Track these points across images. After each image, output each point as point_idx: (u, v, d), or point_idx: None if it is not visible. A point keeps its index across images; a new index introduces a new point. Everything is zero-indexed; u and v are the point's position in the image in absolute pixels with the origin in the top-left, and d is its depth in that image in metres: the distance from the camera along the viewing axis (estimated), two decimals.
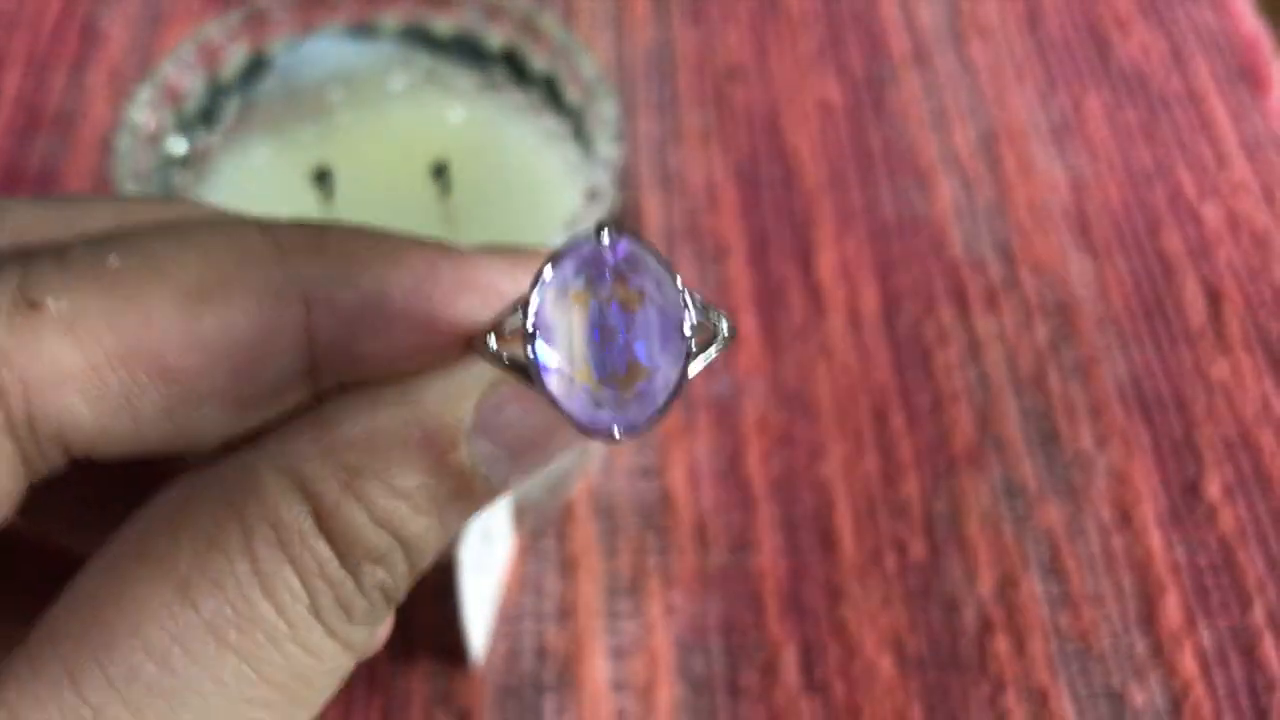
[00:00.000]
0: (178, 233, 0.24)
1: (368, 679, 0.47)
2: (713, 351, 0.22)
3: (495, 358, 0.23)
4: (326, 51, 0.50)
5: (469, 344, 0.24)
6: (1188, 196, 0.59)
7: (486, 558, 0.46)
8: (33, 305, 0.22)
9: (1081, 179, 0.60)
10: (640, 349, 0.21)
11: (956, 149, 0.62)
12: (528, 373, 0.21)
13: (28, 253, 0.23)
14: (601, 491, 0.51)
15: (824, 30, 0.67)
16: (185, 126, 0.48)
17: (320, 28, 0.50)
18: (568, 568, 0.49)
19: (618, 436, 0.21)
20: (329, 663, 0.24)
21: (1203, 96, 0.63)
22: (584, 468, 0.52)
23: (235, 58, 0.49)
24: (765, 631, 0.48)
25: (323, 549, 0.23)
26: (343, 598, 0.23)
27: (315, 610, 0.23)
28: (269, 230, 0.24)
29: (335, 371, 0.24)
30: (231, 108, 0.50)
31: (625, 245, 0.21)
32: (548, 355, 0.21)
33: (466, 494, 0.24)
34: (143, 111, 0.46)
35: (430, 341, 0.24)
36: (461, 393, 0.24)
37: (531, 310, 0.21)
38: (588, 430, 0.21)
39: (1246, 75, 0.64)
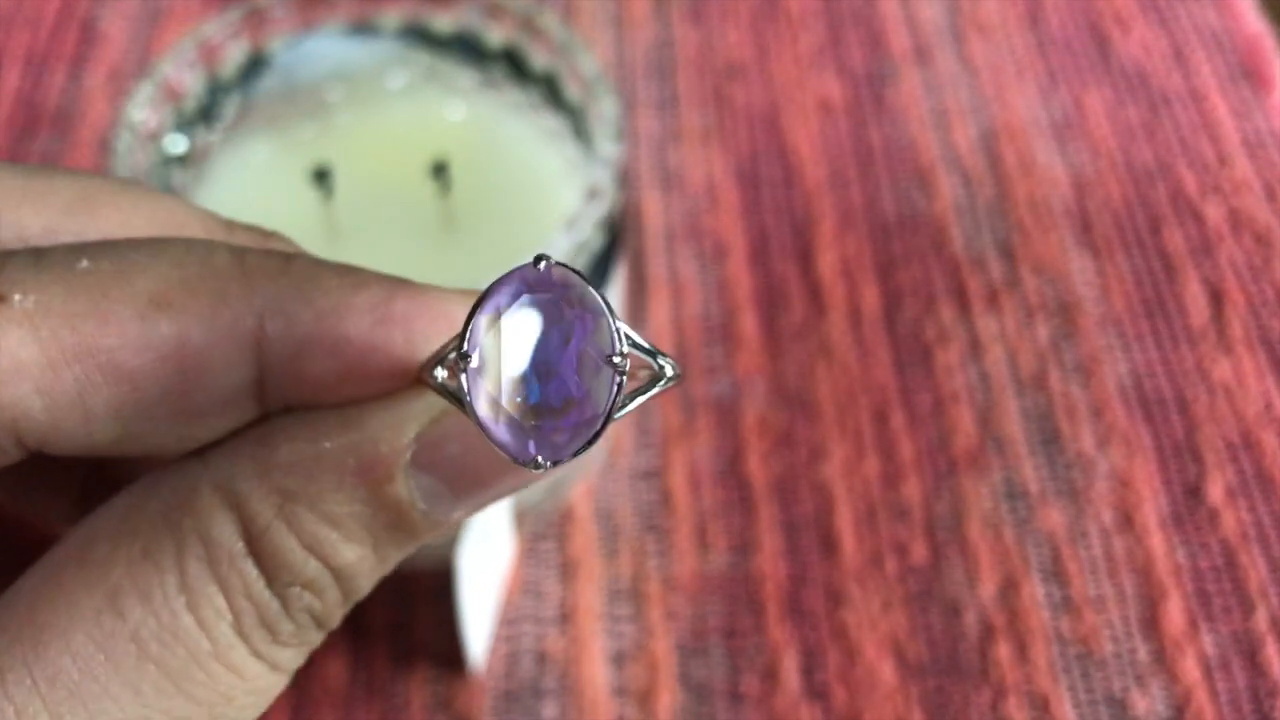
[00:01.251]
0: (152, 244, 0.24)
1: (366, 684, 0.47)
2: (653, 391, 0.23)
3: (438, 387, 0.23)
4: (326, 50, 0.50)
5: (416, 375, 0.24)
6: (1189, 195, 0.59)
7: (485, 561, 0.45)
8: (0, 299, 0.22)
9: (1083, 177, 0.60)
10: (571, 379, 0.22)
11: (957, 147, 0.62)
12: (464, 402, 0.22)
13: (9, 252, 0.24)
14: (601, 494, 0.51)
15: (824, 29, 0.67)
16: (185, 125, 0.48)
17: (320, 26, 0.50)
18: (567, 571, 0.49)
19: (542, 465, 0.22)
20: (252, 681, 0.24)
21: (1204, 95, 0.63)
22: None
23: (235, 56, 0.49)
24: (765, 635, 0.48)
25: (250, 570, 0.23)
26: (268, 619, 0.24)
27: (239, 629, 0.23)
28: (238, 251, 0.24)
29: (285, 391, 0.24)
30: (231, 106, 0.49)
31: (562, 276, 0.22)
32: (478, 383, 0.21)
33: (403, 526, 0.24)
34: (142, 110, 0.46)
35: (380, 368, 0.24)
36: (403, 423, 0.24)
37: (465, 336, 0.21)
38: (514, 457, 0.22)
39: (1248, 73, 0.64)
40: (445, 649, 0.46)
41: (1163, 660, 0.46)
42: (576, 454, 0.22)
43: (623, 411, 0.22)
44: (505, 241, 0.47)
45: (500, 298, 0.22)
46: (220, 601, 0.23)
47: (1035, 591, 0.48)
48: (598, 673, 0.47)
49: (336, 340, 0.24)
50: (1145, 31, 0.66)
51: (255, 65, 0.49)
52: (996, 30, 0.67)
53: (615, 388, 0.21)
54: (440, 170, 0.47)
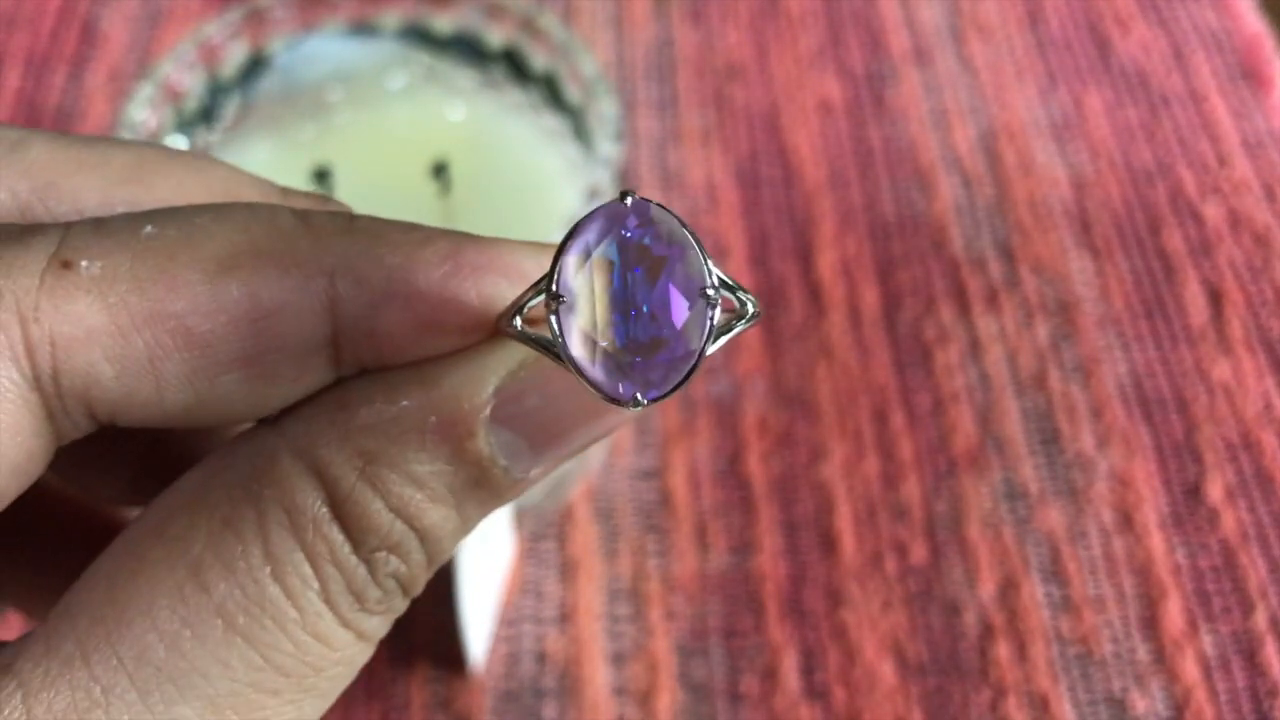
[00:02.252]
0: (215, 208, 0.24)
1: (366, 685, 0.47)
2: (739, 328, 0.22)
3: (521, 335, 0.22)
4: (326, 50, 0.50)
5: (493, 328, 0.24)
6: (1189, 195, 0.59)
7: (486, 562, 0.45)
8: (66, 265, 0.22)
9: (1082, 177, 0.60)
10: (666, 315, 0.21)
11: (957, 148, 0.62)
12: (552, 347, 0.21)
13: (70, 222, 0.23)
14: (601, 493, 0.51)
15: (824, 29, 0.67)
16: (185, 125, 0.48)
17: (320, 26, 0.50)
18: (568, 571, 0.49)
19: (642, 403, 0.21)
20: (340, 651, 0.23)
21: (1204, 95, 0.63)
22: (584, 470, 0.51)
23: (235, 56, 0.49)
24: (765, 635, 0.48)
25: (336, 535, 0.23)
26: (355, 585, 0.23)
27: (326, 597, 0.23)
28: (301, 213, 0.24)
29: (358, 351, 0.24)
30: (231, 106, 0.49)
31: (649, 210, 0.21)
32: (570, 322, 0.21)
33: (485, 484, 0.24)
34: (142, 110, 0.46)
35: (454, 322, 0.24)
36: (481, 378, 0.23)
37: (555, 275, 0.21)
38: (610, 397, 0.21)
39: (1248, 74, 0.64)
40: (445, 649, 0.46)
41: (1162, 660, 0.46)
42: (672, 391, 0.21)
43: (713, 347, 0.21)
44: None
45: (588, 235, 0.21)
46: (306, 569, 0.23)
47: (1035, 591, 0.48)
48: (598, 673, 0.47)
49: (408, 296, 0.23)
50: (1145, 32, 0.66)
51: (255, 65, 0.49)
52: (996, 31, 0.67)
53: (709, 321, 0.21)
54: (440, 170, 0.47)
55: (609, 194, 0.44)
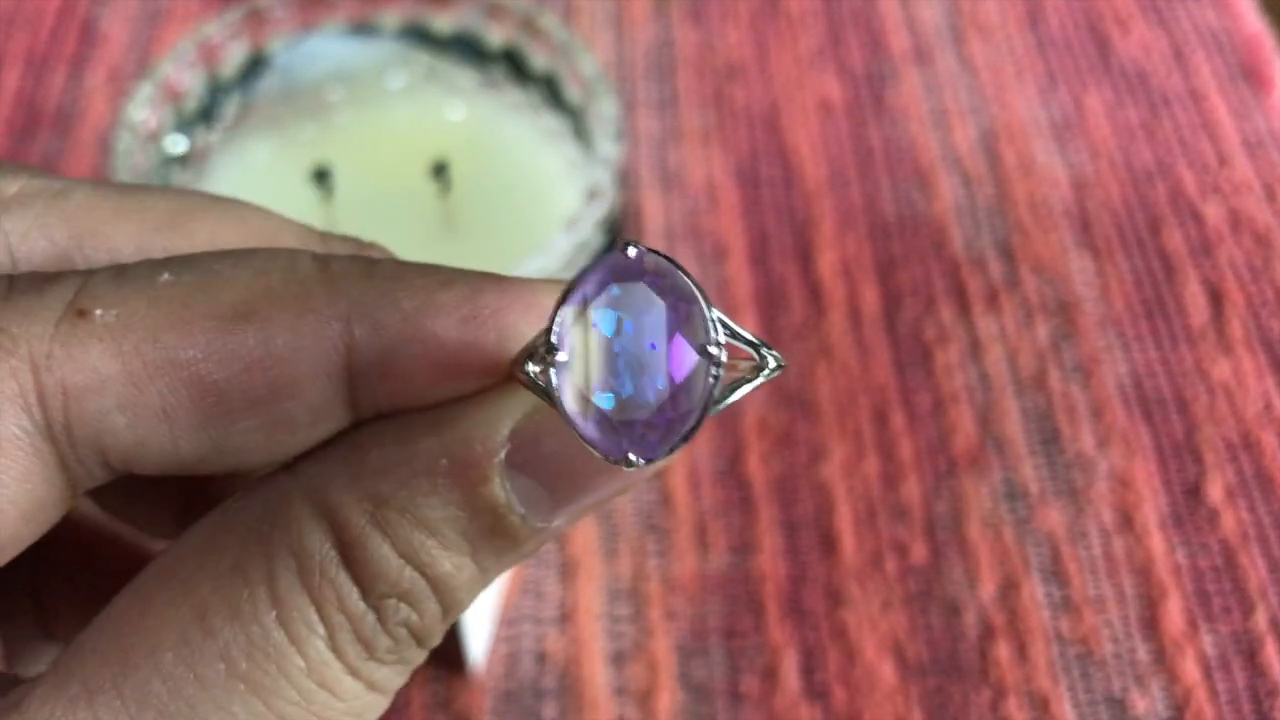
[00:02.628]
0: (235, 254, 0.24)
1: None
2: (756, 382, 0.22)
3: (530, 382, 0.21)
4: (326, 50, 0.50)
5: (508, 371, 0.23)
6: (1189, 195, 0.59)
7: None
8: (81, 314, 0.22)
9: (1082, 177, 0.60)
10: (665, 374, 0.21)
11: (957, 147, 0.62)
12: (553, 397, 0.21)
13: (92, 270, 0.23)
14: None
15: (824, 29, 0.67)
16: (185, 125, 0.48)
17: (320, 26, 0.50)
18: (567, 571, 0.49)
19: (634, 463, 0.21)
20: (348, 701, 0.23)
21: (1204, 95, 0.63)
22: None
23: (235, 56, 0.49)
24: (765, 635, 0.48)
25: (344, 580, 0.22)
26: (363, 633, 0.22)
27: (333, 644, 0.22)
28: (322, 258, 0.24)
29: (376, 396, 0.24)
30: (231, 106, 0.50)
31: (654, 264, 0.21)
32: (565, 377, 0.21)
33: (501, 533, 0.23)
34: (142, 110, 0.46)
35: (473, 366, 0.23)
36: (496, 421, 0.23)
37: (553, 328, 0.20)
38: (605, 456, 0.21)
39: (1248, 74, 0.64)
40: (445, 649, 0.46)
41: (1162, 660, 0.46)
42: (671, 451, 0.21)
43: (721, 405, 0.21)
44: (505, 241, 0.47)
45: (587, 287, 0.21)
46: (312, 615, 0.22)
47: (1035, 591, 0.48)
48: (598, 673, 0.47)
49: (425, 340, 0.23)
50: (1145, 32, 0.66)
51: (255, 65, 0.50)
52: (996, 30, 0.67)
53: (710, 380, 0.20)
54: (440, 170, 0.47)
55: (609, 193, 0.44)
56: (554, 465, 0.23)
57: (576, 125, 0.48)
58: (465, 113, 0.50)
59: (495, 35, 0.49)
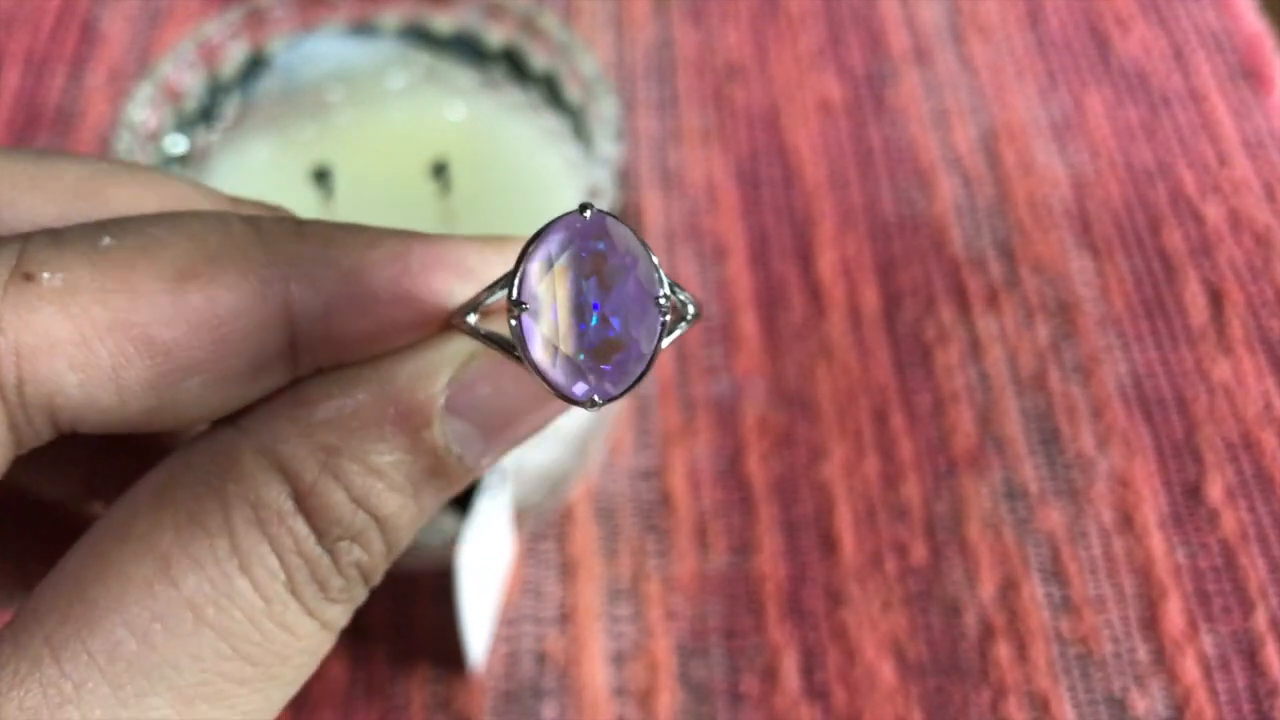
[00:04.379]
0: (169, 218, 0.25)
1: (366, 684, 0.47)
2: (681, 329, 0.24)
3: (474, 332, 0.23)
4: (326, 50, 0.50)
5: (446, 323, 0.25)
6: (1189, 195, 0.59)
7: (485, 561, 0.45)
8: (28, 278, 0.22)
9: (1082, 177, 0.60)
10: (616, 322, 0.22)
11: (957, 147, 0.62)
12: (508, 346, 0.23)
13: (26, 234, 0.24)
14: (601, 493, 0.51)
15: (824, 29, 0.67)
16: (185, 125, 0.48)
17: (320, 26, 0.50)
18: (567, 571, 0.49)
19: (597, 402, 0.22)
20: (305, 640, 0.24)
21: (1204, 95, 0.63)
22: (584, 470, 0.51)
23: (235, 56, 0.49)
24: (765, 635, 0.48)
25: (300, 527, 0.24)
26: (319, 575, 0.24)
27: (292, 587, 0.24)
28: (252, 220, 0.25)
29: (316, 353, 0.25)
30: (231, 106, 0.49)
31: (605, 222, 0.22)
32: (533, 327, 0.22)
33: (441, 473, 0.25)
34: (142, 110, 0.46)
35: (407, 319, 0.25)
36: (434, 371, 0.24)
37: (518, 282, 0.22)
38: (568, 397, 0.22)
39: (1248, 74, 0.64)
40: (445, 649, 0.46)
41: (1163, 660, 0.46)
42: (625, 392, 0.22)
43: (664, 344, 0.23)
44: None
45: (550, 245, 0.22)
46: (272, 561, 0.23)
47: (1035, 591, 0.48)
48: (598, 673, 0.47)
49: (362, 296, 0.25)
50: (1145, 31, 0.66)
51: (255, 65, 0.49)
52: (996, 30, 0.67)
53: (660, 326, 0.22)
54: (440, 170, 0.47)
55: (609, 193, 0.44)
56: (488, 408, 0.25)
57: (576, 125, 0.48)
58: (465, 113, 0.50)
59: (495, 35, 0.49)
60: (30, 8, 0.69)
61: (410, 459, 0.24)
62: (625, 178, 0.59)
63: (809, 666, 0.47)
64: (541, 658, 0.47)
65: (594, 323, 0.22)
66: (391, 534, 0.25)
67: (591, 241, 0.22)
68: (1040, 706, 0.46)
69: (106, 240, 0.23)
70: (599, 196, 0.44)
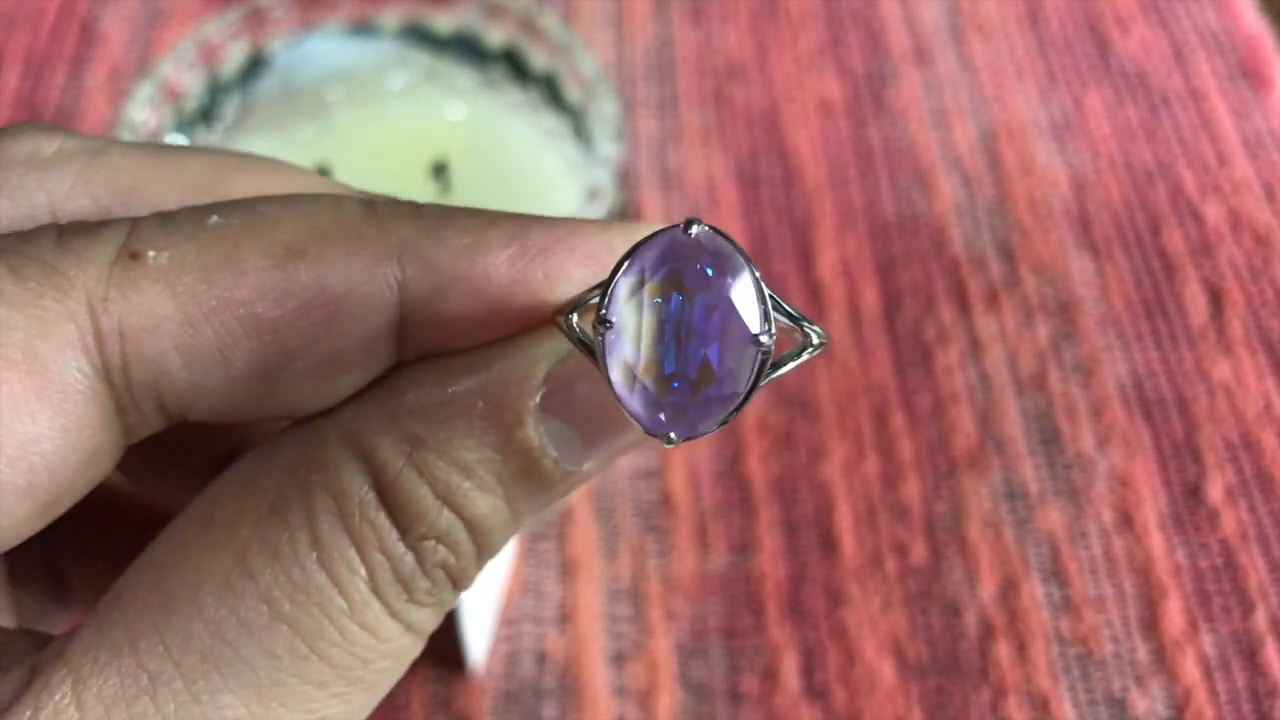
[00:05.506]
0: (280, 198, 0.24)
1: None
2: (799, 360, 0.22)
3: (572, 334, 0.22)
4: (326, 50, 0.50)
5: (551, 318, 0.23)
6: (1189, 195, 0.59)
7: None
8: (134, 256, 0.22)
9: (1082, 177, 0.60)
10: (713, 352, 0.21)
11: (957, 147, 0.62)
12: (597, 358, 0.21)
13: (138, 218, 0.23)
14: (602, 493, 0.51)
15: (824, 29, 0.67)
16: (185, 125, 0.48)
17: (320, 26, 0.50)
18: (568, 571, 0.49)
19: (674, 440, 0.21)
20: (388, 643, 0.23)
21: (1204, 95, 0.63)
22: None
23: (235, 56, 0.49)
24: (765, 635, 0.48)
25: (383, 521, 0.22)
26: (402, 574, 0.23)
27: (374, 585, 0.22)
28: (368, 200, 0.24)
29: (423, 336, 0.24)
30: (231, 106, 0.49)
31: (711, 242, 0.21)
32: (614, 348, 0.21)
33: (535, 475, 0.23)
34: (142, 110, 0.46)
35: (520, 306, 0.23)
36: (532, 364, 0.23)
37: (606, 298, 0.20)
38: (646, 430, 0.21)
39: (1248, 74, 0.64)
40: (445, 649, 0.46)
41: (1163, 660, 0.46)
42: (710, 431, 0.21)
43: (764, 383, 0.21)
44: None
45: (645, 261, 0.21)
46: (353, 556, 0.22)
47: (1035, 591, 0.48)
48: (598, 673, 0.47)
49: (475, 278, 0.23)
50: (1145, 31, 0.66)
51: (255, 65, 0.49)
52: (996, 31, 0.67)
53: (757, 366, 0.21)
54: (440, 170, 0.47)
55: (609, 193, 0.44)
56: (586, 410, 0.23)
57: (576, 125, 0.48)
58: (465, 113, 0.50)
59: (495, 35, 0.49)
60: (30, 8, 0.69)
61: (500, 458, 0.23)
62: (625, 178, 0.59)
63: (809, 666, 0.47)
64: (541, 658, 0.47)
65: (685, 351, 0.21)
66: (481, 537, 0.23)
67: (692, 261, 0.21)
68: (1040, 706, 0.46)
69: (214, 219, 0.23)
70: (599, 197, 0.44)
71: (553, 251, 0.23)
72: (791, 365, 0.22)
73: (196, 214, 0.23)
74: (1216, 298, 0.55)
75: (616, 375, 0.21)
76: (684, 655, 0.47)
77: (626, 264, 0.21)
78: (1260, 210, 0.58)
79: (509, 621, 0.48)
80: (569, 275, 0.23)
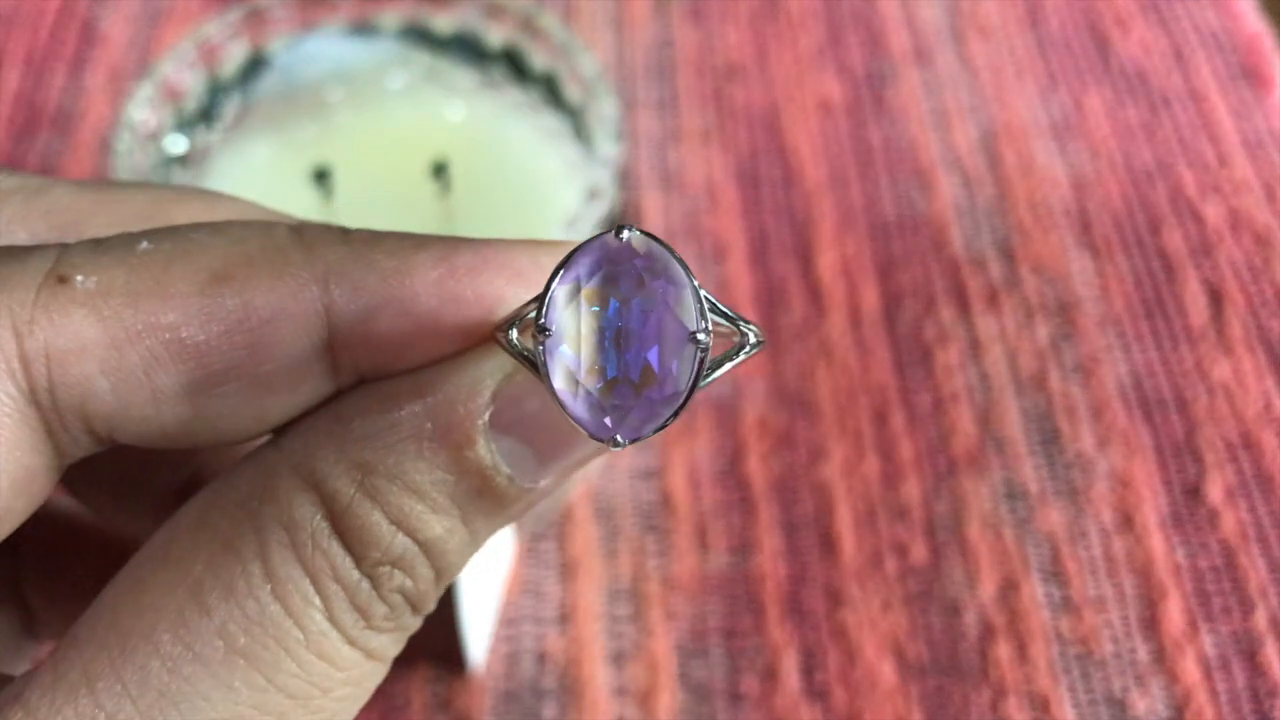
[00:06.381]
0: (211, 225, 0.24)
1: None
2: (738, 360, 0.22)
3: (513, 349, 0.22)
4: (326, 50, 0.50)
5: (492, 335, 0.23)
6: (1189, 195, 0.59)
7: (485, 561, 0.45)
8: (61, 280, 0.22)
9: (1082, 177, 0.60)
10: (653, 355, 0.21)
11: (957, 147, 0.62)
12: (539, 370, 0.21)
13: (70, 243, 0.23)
14: (601, 494, 0.51)
15: (824, 29, 0.67)
16: (185, 125, 0.48)
17: (320, 26, 0.50)
18: (568, 571, 0.49)
19: (620, 443, 0.21)
20: (347, 671, 0.23)
21: (1204, 95, 0.63)
22: (584, 470, 0.51)
23: (235, 56, 0.49)
24: (765, 636, 0.48)
25: (336, 550, 0.22)
26: (359, 601, 0.23)
27: (330, 615, 0.22)
28: (297, 226, 0.24)
29: (355, 358, 0.24)
30: (231, 106, 0.49)
31: (644, 246, 0.21)
32: (556, 356, 0.21)
33: (489, 494, 0.23)
34: (142, 110, 0.46)
35: (451, 326, 0.24)
36: (478, 383, 0.23)
37: (544, 306, 0.21)
38: (592, 435, 0.21)
39: (1248, 74, 0.64)
40: (445, 649, 0.46)
41: (1163, 660, 0.46)
42: (655, 431, 0.21)
43: (705, 383, 0.21)
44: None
45: (580, 268, 0.21)
46: (307, 587, 0.22)
47: (1035, 591, 0.48)
48: (598, 673, 0.47)
49: (403, 299, 0.23)
50: (1145, 32, 0.66)
51: (255, 65, 0.49)
52: (996, 31, 0.67)
53: (697, 365, 0.21)
54: (440, 170, 0.47)
55: (609, 193, 0.44)
56: (537, 425, 0.23)
57: (576, 125, 0.48)
58: (465, 113, 0.50)
59: (495, 35, 0.49)
60: (30, 8, 0.69)
61: (453, 479, 0.23)
62: (625, 178, 0.59)
63: (809, 666, 0.47)
64: (541, 658, 0.47)
65: (625, 352, 0.21)
66: (438, 560, 0.23)
67: (626, 265, 0.21)
68: (1040, 706, 0.46)
69: (144, 245, 0.23)
70: (599, 197, 0.44)
71: (481, 271, 0.23)
72: (730, 365, 0.22)
73: (127, 240, 0.23)
74: (1216, 298, 0.55)
75: (559, 382, 0.21)
76: (684, 655, 0.47)
77: (562, 272, 0.21)
78: (1260, 210, 0.58)
79: (509, 621, 0.48)
80: (499, 294, 0.23)
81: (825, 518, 0.50)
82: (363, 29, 0.50)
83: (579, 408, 0.21)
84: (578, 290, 0.21)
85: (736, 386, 0.54)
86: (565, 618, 0.48)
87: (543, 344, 0.21)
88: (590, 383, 0.21)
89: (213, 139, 0.49)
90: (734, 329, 0.22)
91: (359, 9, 0.50)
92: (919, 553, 0.49)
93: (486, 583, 0.46)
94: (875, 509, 0.50)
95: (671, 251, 0.21)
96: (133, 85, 0.48)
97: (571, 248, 0.21)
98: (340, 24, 0.50)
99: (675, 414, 0.21)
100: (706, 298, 0.21)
